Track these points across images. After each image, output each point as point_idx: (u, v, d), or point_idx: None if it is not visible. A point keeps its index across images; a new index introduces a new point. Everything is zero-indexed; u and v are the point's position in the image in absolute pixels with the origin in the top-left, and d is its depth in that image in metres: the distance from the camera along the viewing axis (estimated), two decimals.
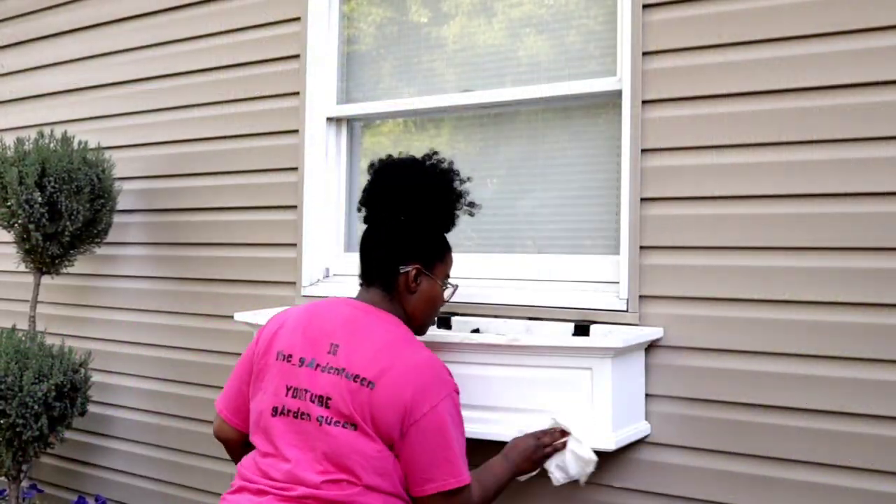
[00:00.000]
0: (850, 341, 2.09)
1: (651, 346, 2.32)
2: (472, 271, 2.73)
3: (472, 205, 2.21)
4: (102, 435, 3.60)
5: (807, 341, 2.14)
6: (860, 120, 2.09)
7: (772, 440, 2.18)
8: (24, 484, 3.48)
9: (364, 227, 2.18)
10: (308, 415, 1.95)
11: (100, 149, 3.44)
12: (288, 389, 1.99)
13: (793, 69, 2.17)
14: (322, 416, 1.93)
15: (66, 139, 3.33)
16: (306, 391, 1.96)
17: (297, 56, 3.04)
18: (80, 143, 3.38)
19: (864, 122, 2.09)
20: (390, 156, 2.22)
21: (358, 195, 3.06)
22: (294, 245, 3.01)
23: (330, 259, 3.05)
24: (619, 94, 2.44)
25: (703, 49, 2.29)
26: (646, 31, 2.36)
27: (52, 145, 3.29)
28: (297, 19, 3.05)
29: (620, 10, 2.44)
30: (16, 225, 3.21)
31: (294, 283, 3.00)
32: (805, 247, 2.15)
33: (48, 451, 3.27)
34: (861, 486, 2.07)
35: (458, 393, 2.00)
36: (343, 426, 1.92)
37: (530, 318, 2.51)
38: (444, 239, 2.18)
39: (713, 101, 2.27)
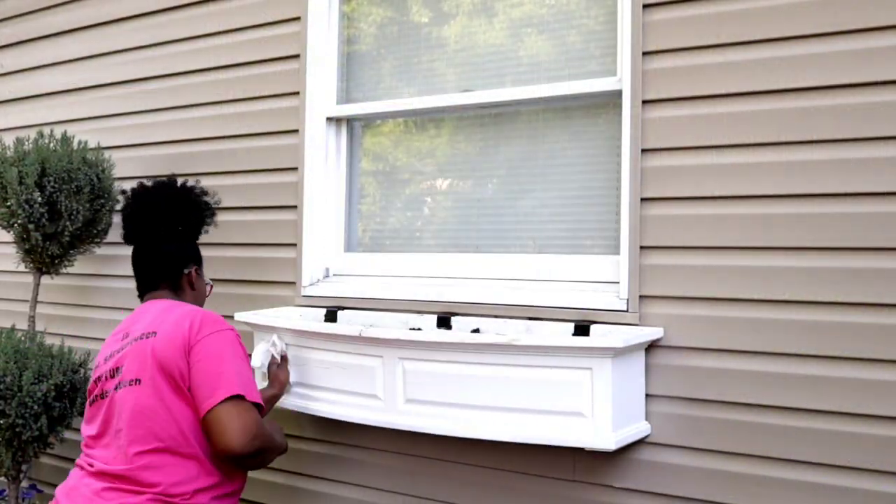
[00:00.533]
0: (850, 341, 2.09)
1: (651, 346, 2.32)
2: (472, 271, 2.73)
3: (213, 215, 2.70)
4: None
5: (807, 341, 2.14)
6: (860, 120, 2.09)
7: (772, 440, 2.18)
8: (24, 484, 3.48)
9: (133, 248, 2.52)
10: (105, 392, 2.19)
11: (99, 149, 3.44)
12: (95, 382, 2.25)
13: (792, 69, 2.17)
14: (115, 386, 2.16)
15: (65, 139, 3.33)
16: (105, 374, 2.21)
17: (297, 56, 3.04)
18: (79, 142, 3.38)
19: (864, 122, 2.09)
20: (142, 184, 2.59)
21: (358, 195, 3.10)
22: (294, 245, 3.01)
23: (330, 259, 3.05)
24: (619, 94, 2.44)
25: (702, 49, 2.29)
26: (646, 31, 2.36)
27: (51, 145, 3.29)
28: (297, 19, 3.05)
29: (620, 10, 2.44)
30: (15, 225, 3.21)
31: (294, 283, 3.00)
32: (805, 247, 2.15)
33: (48, 451, 3.27)
34: (861, 486, 2.07)
35: (237, 335, 2.23)
36: (129, 385, 2.11)
37: (530, 319, 2.51)
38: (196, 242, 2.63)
39: (713, 101, 2.27)
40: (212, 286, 2.64)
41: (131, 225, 2.52)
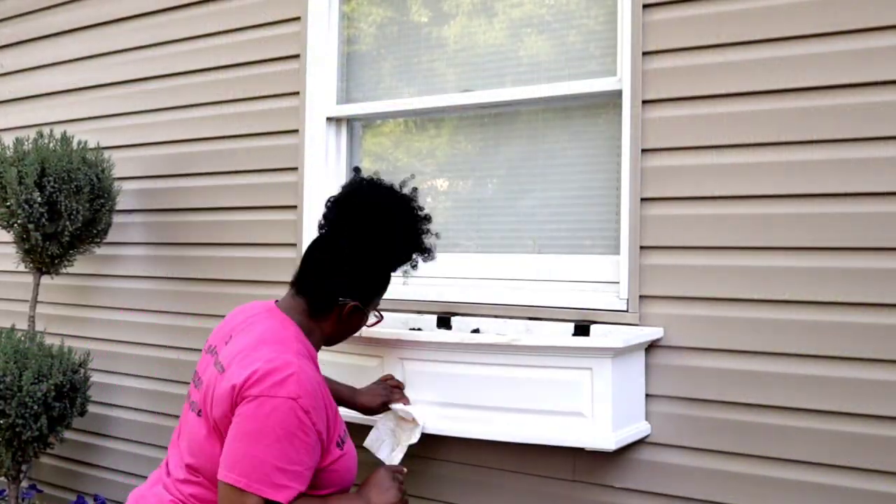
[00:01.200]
0: (850, 341, 2.09)
1: (651, 346, 2.32)
2: (472, 271, 2.73)
3: (429, 253, 2.16)
4: (102, 435, 3.60)
5: (807, 341, 2.14)
6: (860, 120, 2.09)
7: (772, 440, 2.18)
8: (24, 484, 3.48)
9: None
10: (194, 402, 1.98)
11: (99, 149, 3.44)
12: (194, 376, 2.04)
13: (792, 69, 2.17)
14: (194, 402, 1.97)
15: (65, 139, 3.33)
16: (195, 378, 2.02)
17: (297, 56, 3.04)
18: (79, 142, 3.38)
19: (864, 122, 2.09)
20: (379, 179, 2.17)
21: None
22: (294, 245, 3.01)
23: None
24: (619, 94, 2.44)
25: (702, 49, 2.29)
26: (646, 31, 2.36)
27: (51, 145, 3.29)
28: (297, 19, 3.05)
29: (620, 10, 2.44)
30: (15, 225, 3.21)
31: None
32: (805, 247, 2.15)
33: (48, 451, 3.27)
34: (861, 486, 2.07)
35: (304, 410, 1.79)
36: (198, 413, 1.94)
37: (530, 319, 2.51)
38: (390, 275, 2.13)
39: (713, 101, 2.28)
40: (379, 320, 2.15)
41: (333, 215, 2.09)
